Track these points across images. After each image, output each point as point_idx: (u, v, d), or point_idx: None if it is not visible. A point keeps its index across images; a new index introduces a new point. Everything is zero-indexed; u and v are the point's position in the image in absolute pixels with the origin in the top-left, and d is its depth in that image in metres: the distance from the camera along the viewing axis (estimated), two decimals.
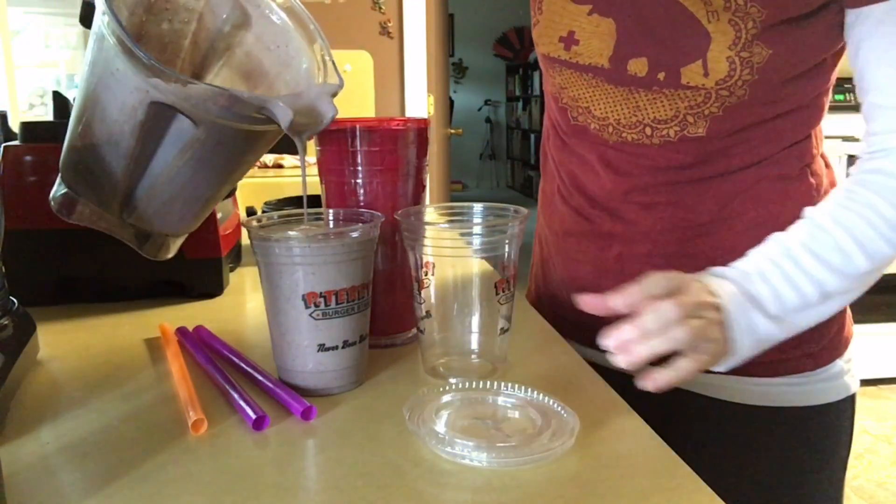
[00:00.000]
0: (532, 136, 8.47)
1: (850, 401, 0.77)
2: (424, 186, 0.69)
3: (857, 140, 2.90)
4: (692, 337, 0.54)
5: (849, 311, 0.79)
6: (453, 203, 0.67)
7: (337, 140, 0.65)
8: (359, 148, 0.64)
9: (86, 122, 0.61)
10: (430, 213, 0.66)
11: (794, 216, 0.73)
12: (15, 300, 0.64)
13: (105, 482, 0.45)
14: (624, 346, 0.53)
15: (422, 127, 0.67)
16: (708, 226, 0.73)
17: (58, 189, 0.67)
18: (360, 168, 0.65)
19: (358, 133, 0.64)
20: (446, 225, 0.62)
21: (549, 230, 0.87)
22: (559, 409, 0.51)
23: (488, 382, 0.55)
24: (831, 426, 0.76)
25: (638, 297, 0.54)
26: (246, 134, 0.61)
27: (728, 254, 0.73)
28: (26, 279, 0.77)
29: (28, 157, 0.79)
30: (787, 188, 0.73)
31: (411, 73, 3.42)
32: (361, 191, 0.65)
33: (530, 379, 0.60)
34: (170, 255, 0.71)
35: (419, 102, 3.44)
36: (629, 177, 0.75)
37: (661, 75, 0.69)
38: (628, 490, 0.43)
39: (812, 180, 0.74)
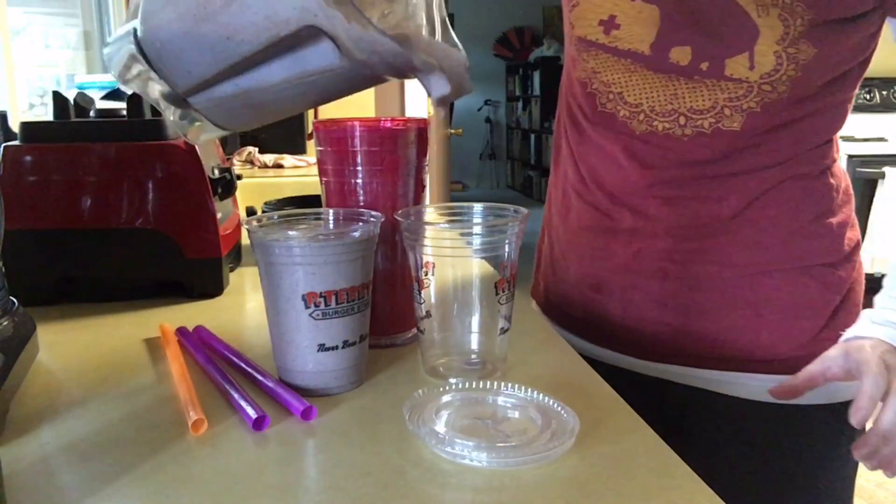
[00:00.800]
0: (532, 136, 8.46)
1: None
2: (424, 186, 0.69)
3: (857, 140, 2.90)
4: None
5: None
6: (453, 203, 0.67)
7: (337, 140, 0.65)
8: (359, 148, 0.64)
9: (214, 7, 0.54)
10: (430, 213, 0.66)
11: (815, 213, 0.74)
12: (15, 300, 0.64)
13: (105, 482, 0.44)
14: (872, 454, 0.59)
15: (422, 127, 0.67)
16: (730, 222, 0.73)
17: (129, 39, 0.57)
18: (360, 168, 0.65)
19: (358, 133, 0.64)
20: (446, 225, 0.62)
21: (563, 227, 0.86)
22: (559, 409, 0.51)
23: (488, 382, 0.55)
24: (847, 422, 0.76)
25: (871, 407, 0.59)
26: (373, 78, 0.58)
27: (748, 251, 0.73)
28: (26, 279, 0.77)
29: (28, 157, 0.79)
30: (809, 186, 0.73)
31: None
32: (361, 191, 0.65)
33: (530, 379, 0.60)
34: (200, 142, 0.65)
35: (419, 102, 3.44)
36: (654, 169, 0.74)
37: (704, 65, 0.69)
38: (628, 490, 0.43)
39: (832, 181, 0.75)
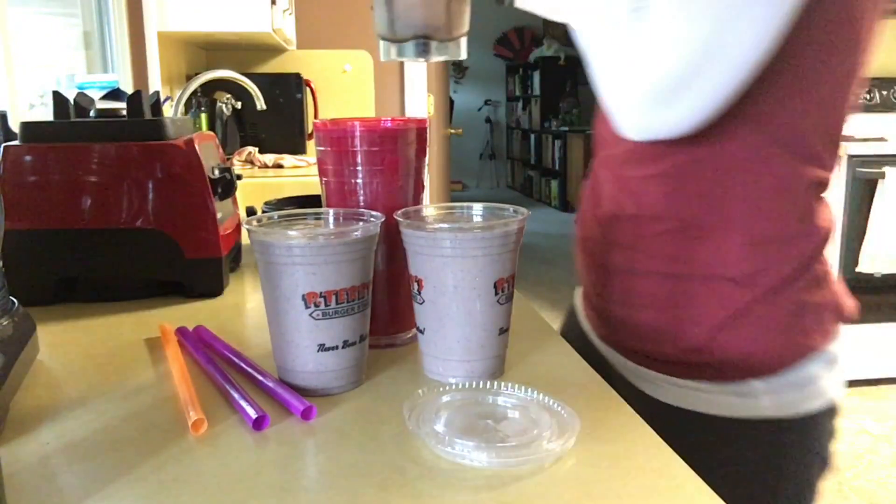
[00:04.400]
0: (532, 136, 8.46)
1: (770, 426, 0.70)
2: (424, 186, 0.69)
3: (857, 140, 2.90)
4: None
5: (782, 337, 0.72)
6: (453, 203, 0.67)
7: (337, 140, 0.65)
8: (359, 148, 0.64)
9: None
10: (430, 213, 0.66)
11: (788, 178, 0.67)
12: (15, 300, 0.64)
13: (105, 482, 0.45)
14: None
15: (422, 127, 0.67)
16: (708, 197, 0.69)
17: None
18: (359, 168, 0.65)
19: (358, 133, 0.64)
20: (446, 225, 0.62)
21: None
22: (559, 409, 0.51)
23: (488, 382, 0.55)
24: (747, 444, 0.71)
25: None
26: None
27: (727, 223, 0.69)
28: (26, 279, 0.77)
29: (28, 157, 0.79)
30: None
31: (411, 73, 3.42)
32: (361, 191, 0.65)
33: (530, 379, 0.60)
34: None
35: (419, 102, 3.44)
36: (620, 144, 0.73)
37: None
38: (628, 490, 0.43)
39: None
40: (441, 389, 0.54)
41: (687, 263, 0.71)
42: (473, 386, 0.55)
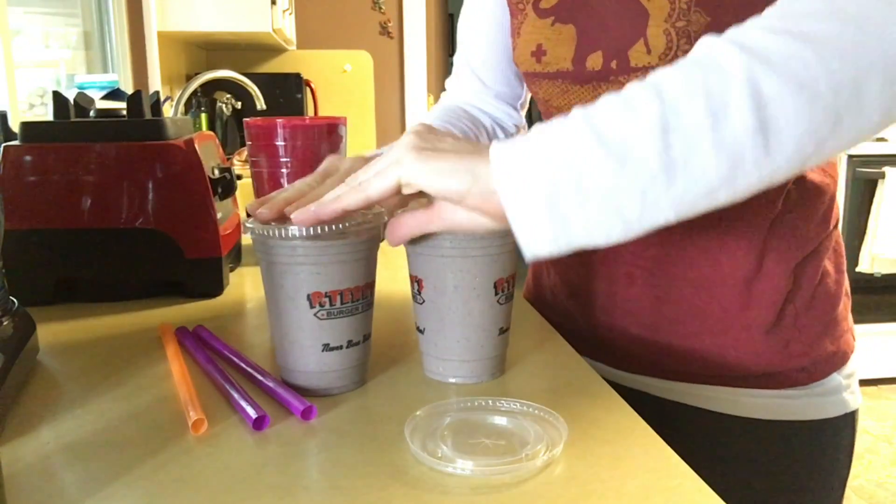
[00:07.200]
0: None
1: (850, 418, 0.74)
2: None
3: None
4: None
5: (850, 325, 0.75)
6: None
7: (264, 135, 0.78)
8: (280, 143, 0.78)
9: None
10: None
11: (775, 212, 0.70)
12: (15, 300, 0.64)
13: (105, 482, 0.44)
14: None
15: (334, 124, 0.78)
16: (687, 224, 0.70)
17: None
18: (284, 160, 0.78)
19: (279, 130, 0.78)
20: None
21: None
22: (552, 419, 0.50)
23: (484, 400, 0.53)
24: (828, 443, 0.73)
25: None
26: None
27: (708, 253, 0.71)
28: (26, 279, 0.77)
29: (28, 157, 0.79)
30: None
31: (411, 73, 3.42)
32: (286, 181, 0.77)
33: (530, 379, 0.60)
34: None
35: (419, 102, 3.44)
36: None
37: (613, 63, 0.69)
38: (628, 490, 0.43)
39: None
40: (440, 410, 0.52)
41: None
42: (469, 405, 0.53)
